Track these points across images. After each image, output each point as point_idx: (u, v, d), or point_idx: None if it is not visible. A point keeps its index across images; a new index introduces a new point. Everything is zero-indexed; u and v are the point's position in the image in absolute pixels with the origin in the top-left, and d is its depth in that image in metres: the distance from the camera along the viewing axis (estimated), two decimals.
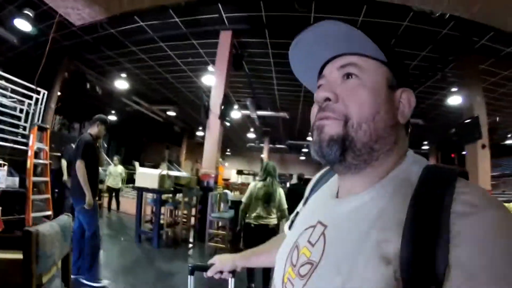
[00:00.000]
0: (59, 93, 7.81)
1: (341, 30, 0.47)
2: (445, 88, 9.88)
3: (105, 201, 8.43)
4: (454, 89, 9.02)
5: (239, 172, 21.50)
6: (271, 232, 3.18)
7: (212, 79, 6.46)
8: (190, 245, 5.40)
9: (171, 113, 12.69)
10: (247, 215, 3.26)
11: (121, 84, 8.93)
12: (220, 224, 5.18)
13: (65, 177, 5.30)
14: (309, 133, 0.53)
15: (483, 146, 7.66)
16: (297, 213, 0.67)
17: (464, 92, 8.35)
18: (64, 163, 5.51)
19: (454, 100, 9.20)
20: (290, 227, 0.66)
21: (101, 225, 3.76)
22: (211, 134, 6.09)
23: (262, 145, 17.71)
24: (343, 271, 0.41)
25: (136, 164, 6.33)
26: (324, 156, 0.48)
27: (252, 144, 19.01)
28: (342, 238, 0.45)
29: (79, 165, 2.92)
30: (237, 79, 8.66)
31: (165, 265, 4.16)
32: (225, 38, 6.14)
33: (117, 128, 15.21)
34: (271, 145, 17.64)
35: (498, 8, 2.71)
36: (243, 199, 3.29)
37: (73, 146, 3.69)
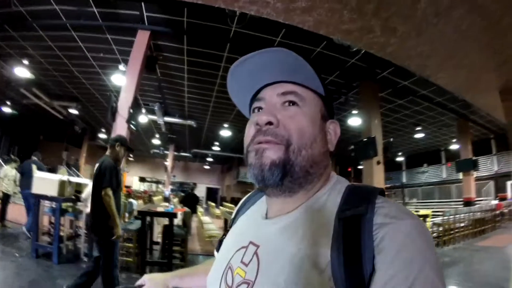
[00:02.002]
0: None
1: (292, 60, 0.49)
2: (347, 110, 11.31)
3: None
4: (354, 112, 10.41)
5: (142, 180, 20.32)
6: None
7: (123, 80, 5.99)
8: None
9: (73, 111, 11.27)
10: None
11: (22, 71, 7.58)
12: (126, 236, 4.75)
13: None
14: (244, 154, 0.53)
15: (378, 162, 8.92)
16: (224, 235, 0.66)
17: (364, 115, 9.64)
18: None
19: (354, 121, 10.60)
20: (217, 249, 0.66)
21: None
22: None
23: (167, 152, 17.16)
24: (280, 285, 0.43)
25: (34, 167, 5.34)
26: (264, 180, 0.49)
27: (157, 151, 18.25)
28: (275, 255, 0.47)
29: (107, 194, 2.64)
30: (147, 82, 8.28)
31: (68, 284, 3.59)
32: (142, 38, 5.78)
33: (10, 122, 13.00)
34: (175, 153, 17.23)
35: (407, 53, 3.21)
36: None
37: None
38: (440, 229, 7.32)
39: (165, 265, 4.20)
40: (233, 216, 0.69)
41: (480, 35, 2.95)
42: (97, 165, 2.82)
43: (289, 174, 0.48)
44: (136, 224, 4.66)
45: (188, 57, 7.49)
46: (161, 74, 8.29)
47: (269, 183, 0.49)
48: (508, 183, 12.85)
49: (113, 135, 5.49)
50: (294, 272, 0.43)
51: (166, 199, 11.39)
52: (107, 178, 2.68)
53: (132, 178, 20.10)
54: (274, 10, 2.39)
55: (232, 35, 6.46)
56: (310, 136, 0.50)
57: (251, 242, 0.53)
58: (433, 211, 10.02)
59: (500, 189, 12.90)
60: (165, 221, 4.78)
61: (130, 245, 4.50)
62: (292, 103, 0.51)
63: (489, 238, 7.72)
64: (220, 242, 0.66)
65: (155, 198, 12.38)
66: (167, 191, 15.17)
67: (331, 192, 0.51)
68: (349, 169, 26.32)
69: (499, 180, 13.30)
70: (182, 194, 11.68)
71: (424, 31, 2.82)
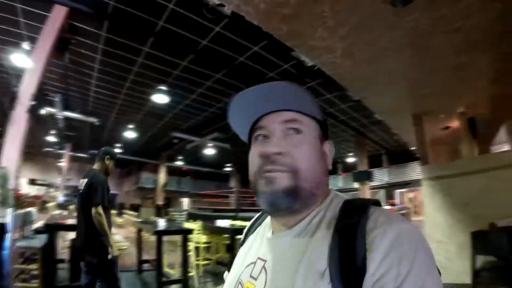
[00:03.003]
0: None
1: (293, 90, 0.53)
2: None
3: None
4: None
5: (32, 182, 17.11)
6: None
7: (26, 61, 4.91)
8: None
9: None
10: None
11: None
12: (26, 255, 3.76)
13: None
14: (252, 182, 0.56)
15: None
16: (234, 256, 0.70)
17: None
18: None
19: None
20: (228, 270, 0.69)
21: None
22: (15, 130, 4.54)
23: (62, 151, 14.86)
24: None
25: None
26: (277, 206, 0.52)
27: (50, 149, 15.76)
28: (281, 266, 0.51)
29: (99, 212, 2.40)
30: (51, 67, 7.02)
31: None
32: (57, 14, 4.89)
33: None
34: (72, 153, 15.15)
35: (353, 76, 3.50)
36: None
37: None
38: None
39: None
40: (242, 237, 0.73)
41: (407, 73, 3.53)
42: (85, 179, 2.55)
43: (299, 198, 0.51)
44: (40, 240, 3.78)
45: (105, 46, 6.74)
46: (70, 61, 7.20)
47: (282, 207, 0.52)
48: (396, 191, 16.72)
49: (11, 126, 4.45)
50: (298, 278, 0.46)
51: (61, 206, 9.88)
52: (99, 195, 2.43)
53: (19, 181, 16.62)
54: (255, 10, 2.28)
55: (158, 30, 6.12)
56: (313, 160, 0.53)
57: (259, 258, 0.57)
58: None
59: (389, 197, 16.35)
60: (72, 234, 4.03)
61: (33, 266, 3.60)
62: (295, 130, 0.54)
63: None
64: (231, 263, 0.69)
65: (48, 205, 10.49)
66: (61, 196, 12.94)
67: (329, 207, 0.54)
68: None
69: (389, 189, 16.90)
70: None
71: (375, 60, 3.12)
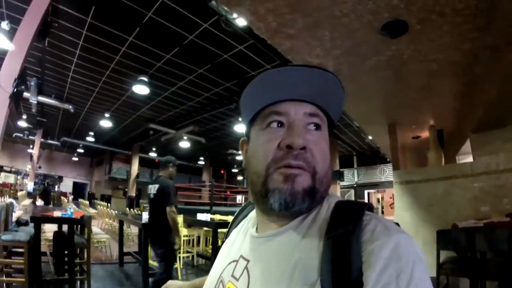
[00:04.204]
0: None
1: (331, 84, 0.49)
2: (233, 116, 11.97)
3: None
4: (240, 119, 10.98)
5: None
6: None
7: (7, 43, 4.71)
8: None
9: None
10: None
11: None
12: (10, 249, 3.67)
13: None
14: (263, 176, 0.48)
15: None
16: (219, 247, 0.67)
17: None
18: None
19: (240, 128, 11.17)
20: (211, 263, 0.67)
21: None
22: None
23: (32, 137, 14.19)
24: None
25: None
26: (294, 207, 0.46)
27: (20, 135, 14.99)
28: (266, 272, 0.47)
29: (174, 211, 2.99)
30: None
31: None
32: None
33: None
34: (42, 140, 14.51)
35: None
36: None
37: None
38: None
39: (67, 282, 3.54)
40: (227, 230, 0.70)
41: (385, 89, 3.92)
42: (155, 185, 3.09)
43: (314, 200, 0.48)
44: (25, 233, 3.74)
45: (88, 32, 6.63)
46: (49, 44, 7.01)
47: (297, 209, 0.47)
48: (366, 191, 17.50)
49: None
50: (285, 286, 0.43)
51: (31, 195, 9.50)
52: (172, 198, 2.99)
53: None
54: (266, 27, 2.48)
55: (146, 21, 6.13)
56: (328, 161, 0.50)
57: (241, 256, 0.54)
58: None
59: (359, 196, 17.10)
60: (55, 227, 4.05)
61: (19, 260, 3.56)
62: (317, 126, 0.50)
63: None
64: (215, 255, 0.67)
65: (19, 194, 10.00)
66: (31, 185, 12.36)
67: (321, 208, 0.50)
68: (222, 172, 27.73)
69: (358, 189, 17.64)
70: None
71: (359, 77, 3.45)
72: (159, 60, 8.04)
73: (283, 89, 0.49)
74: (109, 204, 10.61)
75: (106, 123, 12.32)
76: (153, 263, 4.47)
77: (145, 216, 5.27)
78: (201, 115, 12.57)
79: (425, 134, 5.46)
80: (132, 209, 10.01)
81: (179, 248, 3.21)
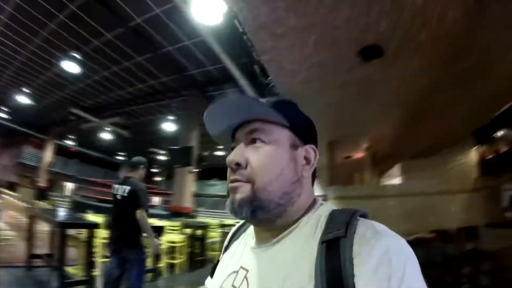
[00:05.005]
0: None
1: (245, 101, 0.55)
2: (164, 113, 11.49)
3: None
4: (171, 117, 10.58)
5: None
6: None
7: None
8: None
9: None
10: None
11: None
12: None
13: None
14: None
15: (190, 172, 9.34)
16: (218, 261, 0.70)
17: (184, 124, 9.97)
18: None
19: (169, 126, 10.76)
20: (212, 275, 0.68)
21: None
22: None
23: None
24: None
25: None
26: (237, 215, 0.53)
27: None
28: (264, 279, 0.50)
29: (144, 215, 2.85)
30: None
31: None
32: None
33: None
34: None
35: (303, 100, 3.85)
36: None
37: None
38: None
39: None
40: (226, 243, 0.71)
41: (339, 108, 4.14)
42: (125, 187, 2.91)
43: (259, 209, 0.51)
44: None
45: None
46: None
47: (242, 216, 0.52)
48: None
49: None
50: None
51: None
52: (143, 201, 2.87)
53: None
54: (253, 18, 2.33)
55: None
56: (275, 170, 0.52)
57: (241, 267, 0.56)
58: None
59: None
60: None
61: None
62: (257, 140, 0.54)
63: None
64: (214, 268, 0.69)
65: None
66: None
67: (315, 218, 0.52)
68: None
69: None
70: None
71: (324, 91, 3.57)
72: (98, 38, 7.18)
73: (228, 122, 0.57)
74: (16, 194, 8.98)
75: (23, 99, 10.71)
76: (70, 269, 3.80)
77: (61, 212, 4.48)
78: (130, 106, 11.63)
79: (358, 155, 5.94)
80: (41, 202, 8.78)
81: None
